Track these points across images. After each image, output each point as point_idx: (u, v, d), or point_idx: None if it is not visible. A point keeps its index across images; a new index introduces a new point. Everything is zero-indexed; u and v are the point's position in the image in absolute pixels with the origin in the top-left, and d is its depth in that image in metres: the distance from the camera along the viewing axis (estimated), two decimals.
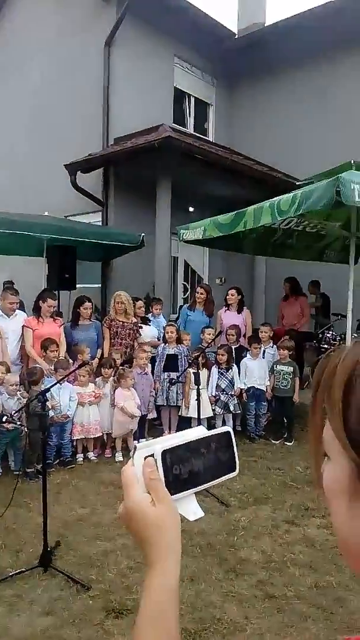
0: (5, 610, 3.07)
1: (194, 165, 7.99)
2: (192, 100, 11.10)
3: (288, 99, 10.68)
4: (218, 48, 10.62)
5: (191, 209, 9.76)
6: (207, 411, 6.10)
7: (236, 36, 10.89)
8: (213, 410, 6.30)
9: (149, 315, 7.30)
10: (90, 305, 6.41)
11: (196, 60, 10.73)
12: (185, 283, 10.52)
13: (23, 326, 5.91)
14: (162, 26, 9.58)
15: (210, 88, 11.39)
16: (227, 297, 7.20)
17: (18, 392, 5.17)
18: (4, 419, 3.79)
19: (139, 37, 9.40)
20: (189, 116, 11.12)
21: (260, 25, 10.90)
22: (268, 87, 11.00)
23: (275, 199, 5.18)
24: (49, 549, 3.51)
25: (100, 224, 9.19)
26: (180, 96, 10.75)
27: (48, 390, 3.94)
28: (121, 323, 6.44)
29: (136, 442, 4.81)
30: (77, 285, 7.73)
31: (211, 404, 6.28)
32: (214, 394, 6.31)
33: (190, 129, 10.93)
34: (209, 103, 11.49)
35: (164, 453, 0.71)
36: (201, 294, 7.17)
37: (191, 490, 0.74)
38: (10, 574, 3.39)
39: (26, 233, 6.64)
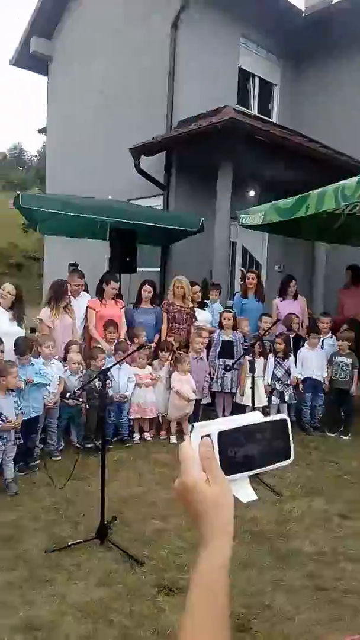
0: (64, 578, 3.25)
1: (257, 147, 7.84)
2: (257, 80, 10.85)
3: (356, 79, 10.21)
4: (284, 27, 10.26)
5: (252, 193, 9.61)
6: (262, 400, 6.08)
7: (303, 14, 10.47)
8: (268, 399, 6.27)
9: (206, 301, 7.32)
10: (150, 289, 6.51)
11: (262, 39, 10.44)
12: (242, 269, 10.42)
13: (87, 307, 6.10)
14: (228, 6, 9.37)
15: (276, 68, 11.07)
16: (247, 280, 7.10)
17: (80, 371, 5.37)
18: (67, 395, 3.95)
19: (204, 18, 9.25)
20: (253, 97, 10.88)
21: (328, 3, 10.41)
22: (335, 67, 10.55)
23: (339, 183, 5.01)
24: (105, 523, 3.66)
25: (161, 207, 9.25)
26: (244, 77, 10.53)
27: (109, 369, 4.07)
28: (179, 307, 6.50)
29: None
30: (138, 269, 7.86)
31: (266, 393, 6.25)
32: (269, 383, 6.28)
33: (254, 110, 10.70)
34: (273, 83, 11.18)
35: (221, 434, 0.73)
36: (252, 279, 7.11)
37: (245, 473, 0.76)
38: (70, 543, 3.58)
39: (91, 216, 6.80)
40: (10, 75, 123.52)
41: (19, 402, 4.45)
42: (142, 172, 8.94)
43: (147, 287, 6.52)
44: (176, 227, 7.69)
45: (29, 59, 12.58)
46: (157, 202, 9.40)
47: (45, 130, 13.81)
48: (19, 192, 6.37)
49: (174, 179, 9.09)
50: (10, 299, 5.04)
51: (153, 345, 6.31)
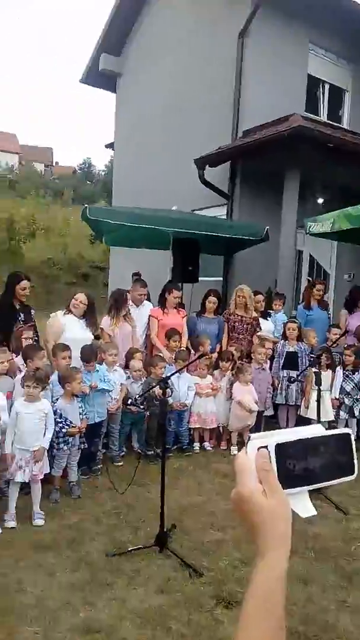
0: (124, 583, 3.29)
1: (326, 154, 7.67)
2: (327, 87, 10.63)
3: None
4: (354, 30, 10.01)
5: (320, 201, 9.39)
6: (328, 414, 5.88)
7: None
8: (336, 413, 6.05)
9: (270, 311, 7.22)
10: (214, 300, 6.50)
11: (331, 44, 10.23)
12: (310, 278, 10.18)
13: (149, 316, 6.20)
14: (296, 12, 9.28)
15: (346, 73, 10.80)
16: (314, 291, 6.93)
17: (143, 378, 5.45)
18: (129, 402, 4.02)
19: (272, 26, 9.21)
20: (323, 104, 10.66)
21: None
22: None
23: None
24: (165, 531, 3.68)
25: (225, 217, 9.26)
26: (313, 84, 10.36)
27: (169, 377, 4.11)
28: (239, 317, 6.45)
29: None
30: (200, 278, 7.89)
31: (334, 408, 6.04)
32: (337, 397, 6.07)
33: (323, 117, 10.49)
34: (344, 89, 10.91)
35: (279, 446, 0.71)
36: (319, 290, 6.94)
37: (305, 487, 0.73)
38: (130, 549, 3.62)
39: (154, 227, 6.93)
40: (81, 93, 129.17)
41: (84, 408, 4.58)
42: (206, 183, 9.00)
43: (212, 297, 6.52)
44: (240, 236, 7.67)
45: (98, 76, 13.05)
46: (221, 212, 9.42)
47: (112, 146, 14.26)
48: (86, 205, 6.61)
49: (238, 189, 9.08)
50: (82, 308, 5.22)
51: (215, 355, 6.29)
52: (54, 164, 58.78)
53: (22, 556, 3.50)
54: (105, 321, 5.77)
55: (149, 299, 6.65)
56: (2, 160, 44.46)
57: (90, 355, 4.90)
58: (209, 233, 7.33)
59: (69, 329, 5.12)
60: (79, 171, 52.68)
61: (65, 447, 4.37)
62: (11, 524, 3.89)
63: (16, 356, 4.70)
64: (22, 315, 5.24)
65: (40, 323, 5.62)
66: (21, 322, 5.13)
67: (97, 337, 5.42)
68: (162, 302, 6.25)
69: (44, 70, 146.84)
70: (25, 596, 3.09)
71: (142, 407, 4.89)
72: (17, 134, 57.48)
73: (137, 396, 4.68)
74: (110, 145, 14.67)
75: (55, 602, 3.05)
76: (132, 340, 5.82)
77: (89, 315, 5.30)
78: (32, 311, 5.46)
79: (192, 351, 6.03)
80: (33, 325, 5.24)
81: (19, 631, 2.79)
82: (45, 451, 4.10)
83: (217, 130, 9.26)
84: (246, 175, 8.99)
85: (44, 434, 4.08)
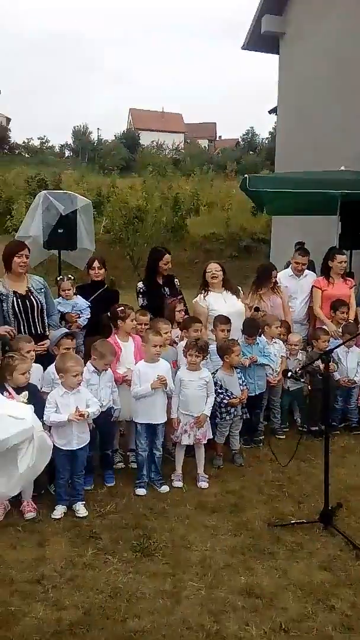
0: (286, 554, 3.29)
1: None
2: None
3: None
4: None
5: None
6: None
7: None
8: None
9: None
10: None
11: None
12: None
13: (312, 286, 5.94)
14: None
15: None
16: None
17: (299, 353, 5.29)
18: (289, 374, 3.94)
19: None
20: None
21: None
22: None
23: None
24: (330, 508, 3.57)
25: None
26: None
27: (332, 350, 3.90)
28: None
29: None
30: None
31: None
32: None
33: None
34: None
35: None
36: None
37: None
38: (292, 521, 3.61)
39: (319, 191, 6.54)
40: (240, 62, 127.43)
41: (243, 379, 4.62)
42: None
43: None
44: None
45: (260, 40, 12.66)
46: None
47: (275, 110, 13.80)
48: (246, 175, 6.50)
49: None
50: (220, 276, 5.09)
51: None
52: (217, 138, 59.41)
53: (188, 515, 3.72)
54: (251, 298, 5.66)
55: (312, 269, 6.36)
56: (168, 141, 46.38)
57: (252, 329, 4.89)
58: None
59: (214, 308, 5.02)
60: (241, 142, 52.36)
61: (228, 417, 4.48)
62: (178, 484, 4.16)
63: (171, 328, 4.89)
64: (166, 289, 5.34)
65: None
66: (167, 295, 5.23)
67: (257, 309, 5.35)
68: (325, 271, 5.92)
69: (203, 48, 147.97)
70: (190, 553, 3.29)
71: (302, 380, 4.75)
72: (183, 114, 59.17)
73: (297, 369, 4.56)
74: (273, 111, 14.23)
75: (218, 563, 3.19)
76: (284, 312, 5.63)
77: (227, 285, 5.16)
78: (176, 280, 5.49)
79: None
80: (182, 297, 5.32)
81: (184, 586, 2.98)
82: (207, 418, 4.25)
83: None
84: None
85: (206, 401, 4.23)
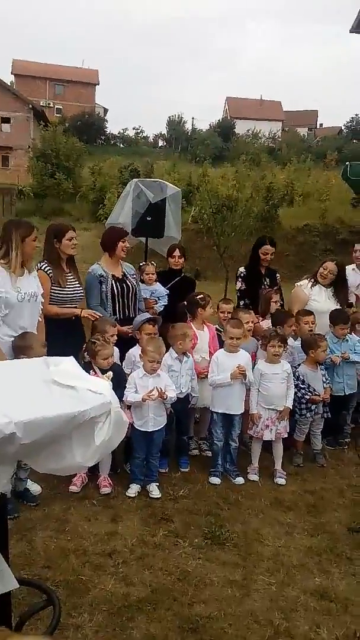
0: None
1: None
2: None
3: None
4: None
5: None
6: None
7: None
8: None
9: None
10: None
11: None
12: None
13: None
14: None
15: None
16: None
17: None
18: None
19: None
20: None
21: None
22: None
23: None
24: None
25: None
26: None
27: None
28: None
29: None
30: None
31: None
32: None
33: None
34: None
35: None
36: None
37: None
38: None
39: None
40: (348, 47, 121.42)
41: (327, 377, 4.41)
42: None
43: None
44: None
45: None
46: None
47: None
48: (347, 163, 6.16)
49: None
50: (330, 278, 4.91)
51: None
52: (317, 126, 57.28)
53: (262, 510, 3.63)
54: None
55: None
56: (265, 129, 45.44)
57: (343, 318, 4.64)
58: None
59: (315, 299, 4.89)
60: (344, 130, 50.03)
61: (308, 414, 4.30)
62: (254, 477, 4.06)
63: (262, 319, 4.77)
64: (267, 279, 5.25)
65: (287, 293, 5.51)
66: (267, 286, 5.14)
67: (349, 305, 5.06)
68: None
69: (305, 32, 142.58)
70: (263, 547, 3.20)
71: None
72: (283, 102, 57.66)
73: None
74: None
75: (291, 560, 3.08)
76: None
77: (339, 285, 4.96)
78: (278, 275, 5.41)
79: None
80: (279, 289, 5.20)
81: (255, 579, 2.91)
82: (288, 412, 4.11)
83: None
84: None
85: (287, 394, 4.10)
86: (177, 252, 5.35)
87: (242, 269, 5.37)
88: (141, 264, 5.36)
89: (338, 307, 4.89)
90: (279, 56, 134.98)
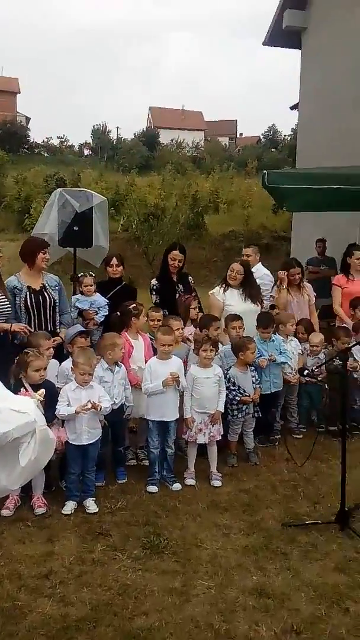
0: (299, 555, 3.21)
1: None
2: None
3: None
4: None
5: None
6: None
7: None
8: None
9: None
10: None
11: None
12: None
13: (332, 284, 5.83)
14: None
15: None
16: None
17: (323, 352, 5.18)
18: (305, 372, 3.86)
19: None
20: None
21: None
22: None
23: None
24: (346, 509, 3.48)
25: None
26: None
27: (349, 349, 3.80)
28: None
29: None
30: None
31: None
32: None
33: None
34: None
35: None
36: None
37: None
38: (307, 522, 3.52)
39: (341, 187, 6.39)
40: (262, 59, 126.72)
41: (257, 378, 4.54)
42: None
43: None
44: None
45: (282, 35, 12.51)
46: None
47: (297, 107, 13.63)
48: (265, 171, 6.40)
49: None
50: (239, 278, 5.06)
51: None
52: (238, 136, 59.10)
53: (200, 513, 3.67)
54: (275, 292, 5.58)
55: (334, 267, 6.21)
56: (188, 139, 46.28)
57: (268, 321, 4.81)
58: None
59: (229, 303, 5.01)
60: (263, 139, 51.97)
61: (240, 415, 4.41)
62: (191, 481, 4.10)
63: (184, 326, 4.83)
64: (180, 286, 5.27)
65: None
66: (181, 292, 5.18)
67: (272, 307, 5.27)
68: (345, 268, 5.80)
69: (224, 45, 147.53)
70: (201, 551, 3.23)
71: (318, 379, 4.65)
72: (203, 111, 59.02)
73: (314, 367, 4.46)
74: (295, 107, 14.06)
75: (229, 562, 3.13)
76: (309, 311, 5.53)
77: (247, 285, 5.12)
78: (190, 278, 5.43)
79: None
80: (196, 294, 5.26)
81: (194, 584, 2.93)
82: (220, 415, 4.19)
83: None
84: None
85: (219, 397, 4.18)
86: (114, 261, 5.31)
87: (154, 281, 5.36)
88: (79, 275, 5.29)
89: (252, 305, 5.03)
90: (199, 67, 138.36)
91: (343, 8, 10.62)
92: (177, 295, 5.14)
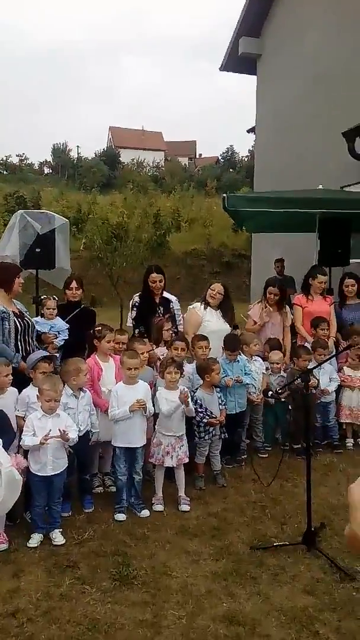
0: (269, 578, 3.22)
1: None
2: None
3: None
4: None
5: None
6: None
7: None
8: None
9: None
10: (352, 282, 6.04)
11: None
12: None
13: (292, 304, 5.97)
14: None
15: None
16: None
17: (282, 370, 5.28)
18: (269, 393, 3.93)
19: None
20: None
21: None
22: None
23: None
24: (313, 529, 3.52)
25: None
26: None
27: (311, 370, 3.88)
28: None
29: None
30: (351, 260, 7.35)
31: None
32: None
33: None
34: None
35: None
36: None
37: None
38: (275, 544, 3.55)
39: (297, 210, 6.61)
40: (219, 83, 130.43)
41: (223, 399, 4.58)
42: (357, 157, 8.32)
43: (349, 280, 6.06)
44: None
45: (238, 61, 12.89)
46: None
47: (254, 130, 14.01)
48: (225, 195, 6.54)
49: None
50: (219, 298, 5.22)
51: None
52: (197, 156, 60.09)
53: (169, 540, 3.63)
54: (254, 310, 5.71)
55: (294, 287, 6.37)
56: (149, 159, 46.74)
57: (234, 344, 4.88)
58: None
59: (207, 319, 5.16)
60: (221, 160, 53.04)
61: (207, 437, 4.43)
62: (159, 507, 4.07)
63: (156, 347, 4.86)
64: (161, 308, 5.36)
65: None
66: (160, 314, 5.27)
67: (235, 327, 5.36)
68: (306, 289, 5.96)
69: (183, 68, 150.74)
70: (171, 580, 3.20)
71: (282, 399, 4.73)
72: (163, 132, 59.84)
73: (278, 388, 4.54)
74: (252, 130, 14.45)
75: (199, 589, 3.11)
76: (284, 330, 5.67)
77: (225, 306, 5.26)
78: (172, 304, 5.53)
79: (344, 341, 5.64)
80: (172, 316, 5.34)
81: (165, 615, 2.89)
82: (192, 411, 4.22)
83: None
84: None
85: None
86: (74, 284, 5.28)
87: (136, 297, 5.48)
88: (42, 298, 5.23)
89: (227, 326, 5.15)
90: (159, 89, 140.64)
91: (294, 36, 11.07)
92: (156, 315, 5.20)
